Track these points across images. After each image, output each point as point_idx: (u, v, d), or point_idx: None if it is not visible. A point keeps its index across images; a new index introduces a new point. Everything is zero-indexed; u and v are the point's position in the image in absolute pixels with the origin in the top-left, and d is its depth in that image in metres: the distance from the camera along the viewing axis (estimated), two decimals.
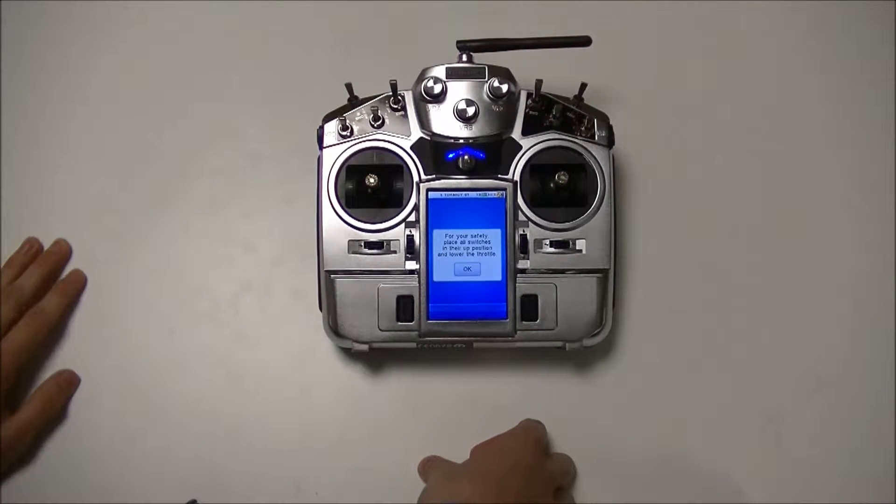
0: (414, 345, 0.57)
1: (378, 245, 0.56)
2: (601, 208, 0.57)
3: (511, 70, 0.58)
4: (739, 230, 0.64)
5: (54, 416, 0.59)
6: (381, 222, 0.57)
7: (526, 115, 0.58)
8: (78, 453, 0.59)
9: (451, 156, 0.57)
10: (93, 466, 0.59)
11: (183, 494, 0.56)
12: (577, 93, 0.58)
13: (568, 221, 0.57)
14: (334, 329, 0.56)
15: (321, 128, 0.58)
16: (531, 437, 0.55)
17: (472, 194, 0.57)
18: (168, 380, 0.61)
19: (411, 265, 0.56)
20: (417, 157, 0.57)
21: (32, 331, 0.57)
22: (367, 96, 0.58)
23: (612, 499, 0.59)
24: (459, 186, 0.57)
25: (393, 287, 0.56)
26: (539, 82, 0.57)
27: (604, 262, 0.56)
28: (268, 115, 0.65)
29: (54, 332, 0.60)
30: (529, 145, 0.57)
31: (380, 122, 0.58)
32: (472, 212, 0.56)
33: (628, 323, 0.62)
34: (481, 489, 0.51)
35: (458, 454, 0.58)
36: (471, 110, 0.57)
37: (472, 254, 0.56)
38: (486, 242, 0.56)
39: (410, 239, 0.56)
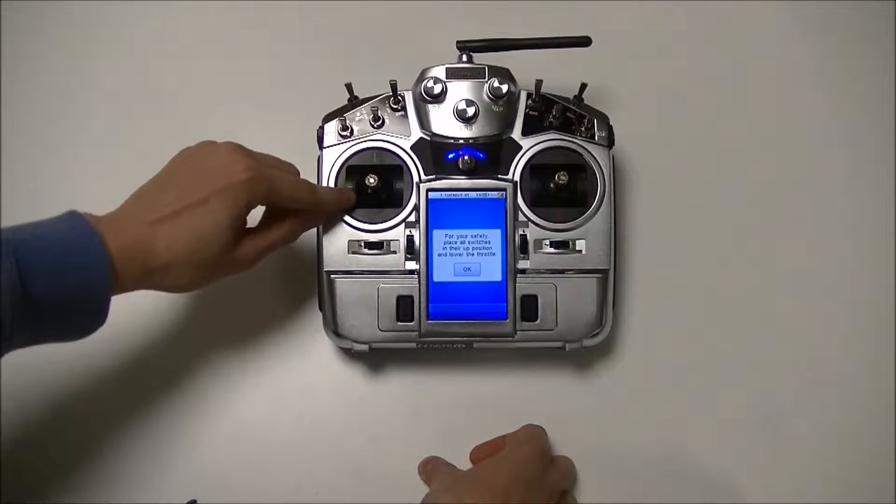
0: (414, 345, 0.57)
1: (378, 245, 0.56)
2: (601, 208, 0.57)
3: (511, 70, 0.58)
4: (739, 230, 0.64)
5: (289, 243, 0.55)
6: (381, 222, 0.57)
7: (526, 115, 0.58)
8: (78, 453, 0.59)
9: (451, 156, 0.57)
10: (93, 466, 0.59)
11: (183, 494, 0.56)
12: (577, 93, 0.58)
13: (568, 222, 0.57)
14: (334, 329, 0.56)
15: (321, 128, 0.58)
16: (536, 448, 0.55)
17: (472, 194, 0.57)
18: (168, 380, 0.61)
19: (411, 265, 0.56)
20: (417, 157, 0.57)
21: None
22: (367, 96, 0.58)
23: (613, 499, 0.59)
24: (459, 187, 0.57)
25: (393, 287, 0.56)
26: (539, 82, 0.57)
27: (604, 263, 0.56)
28: (268, 115, 0.65)
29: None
30: (529, 145, 0.57)
31: (380, 122, 0.58)
32: (471, 212, 0.56)
33: (628, 323, 0.62)
34: (485, 500, 0.50)
35: (458, 454, 0.58)
36: (471, 110, 0.57)
37: (472, 254, 0.56)
38: (486, 243, 0.56)
39: (410, 239, 0.56)
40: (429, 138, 0.57)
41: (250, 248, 0.51)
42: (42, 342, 0.45)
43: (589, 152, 0.58)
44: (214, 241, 0.48)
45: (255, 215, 0.53)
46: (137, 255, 0.46)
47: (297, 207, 0.53)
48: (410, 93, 0.58)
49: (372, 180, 0.55)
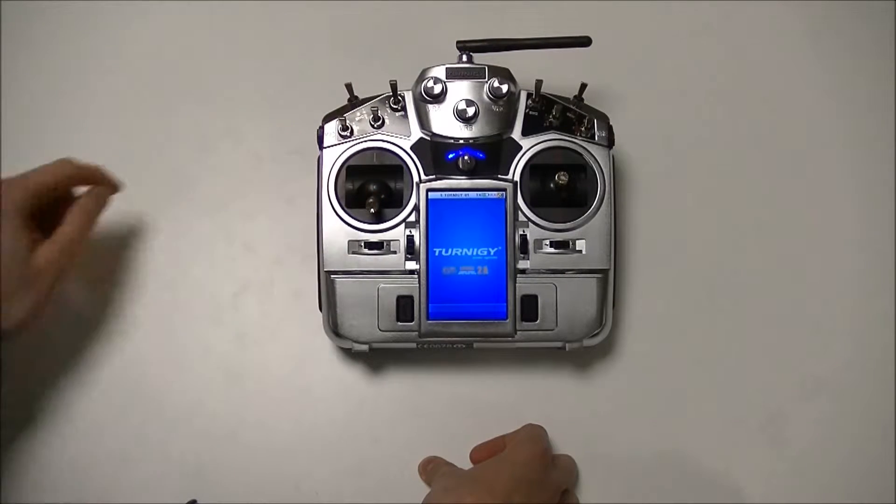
0: (414, 345, 0.57)
1: (378, 245, 0.56)
2: (601, 208, 0.57)
3: (511, 70, 0.58)
4: (739, 230, 0.64)
5: (89, 230, 0.56)
6: (381, 222, 0.57)
7: (526, 115, 0.58)
8: (78, 453, 0.59)
9: (451, 156, 0.57)
10: (93, 466, 0.59)
11: (183, 494, 0.56)
12: (577, 93, 0.58)
13: (568, 221, 0.57)
14: (334, 329, 0.56)
15: (321, 128, 0.58)
16: (537, 448, 0.55)
17: (472, 194, 0.57)
18: (169, 380, 0.61)
19: (411, 265, 0.56)
20: (417, 157, 0.57)
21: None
22: (367, 96, 0.58)
23: (613, 499, 0.59)
24: (459, 187, 0.57)
25: (393, 287, 0.56)
26: (539, 82, 0.57)
27: (604, 263, 0.56)
28: (268, 115, 0.66)
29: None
30: (529, 145, 0.57)
31: (380, 122, 0.58)
32: (472, 212, 0.56)
33: (628, 323, 0.62)
34: (486, 500, 0.50)
35: (458, 454, 0.58)
36: (471, 110, 0.57)
37: (473, 254, 0.56)
38: (486, 243, 0.56)
39: (410, 239, 0.56)
40: (429, 138, 0.57)
41: (46, 252, 0.52)
42: None
43: (589, 152, 0.58)
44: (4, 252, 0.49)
45: None
46: None
47: (66, 184, 0.55)
48: (410, 93, 0.58)
49: (373, 187, 0.56)
